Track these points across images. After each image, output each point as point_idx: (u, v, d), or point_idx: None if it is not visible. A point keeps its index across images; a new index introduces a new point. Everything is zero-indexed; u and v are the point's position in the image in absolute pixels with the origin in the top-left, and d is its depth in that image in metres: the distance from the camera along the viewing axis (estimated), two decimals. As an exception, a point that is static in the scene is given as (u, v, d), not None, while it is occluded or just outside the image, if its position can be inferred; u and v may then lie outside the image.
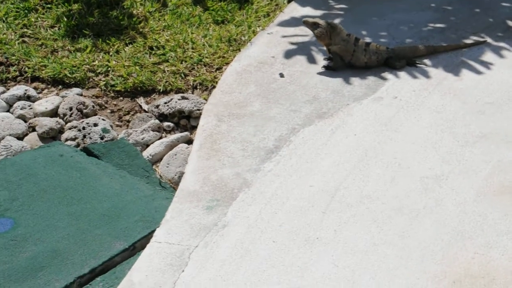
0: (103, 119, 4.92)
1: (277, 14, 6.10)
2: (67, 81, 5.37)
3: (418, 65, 5.27)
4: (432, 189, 4.05)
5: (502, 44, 5.58)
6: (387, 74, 5.19)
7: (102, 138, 4.75)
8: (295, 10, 5.94)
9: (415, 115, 4.71)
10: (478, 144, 4.42)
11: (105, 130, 4.79)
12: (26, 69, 5.48)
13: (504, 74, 5.18)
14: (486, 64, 5.29)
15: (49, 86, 5.38)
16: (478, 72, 5.19)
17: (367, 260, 3.58)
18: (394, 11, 6.10)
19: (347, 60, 5.23)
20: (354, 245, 3.67)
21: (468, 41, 5.59)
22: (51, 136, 4.83)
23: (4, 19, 5.99)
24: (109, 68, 5.43)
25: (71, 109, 5.02)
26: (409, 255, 3.60)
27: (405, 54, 5.32)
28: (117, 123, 5.02)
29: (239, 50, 5.60)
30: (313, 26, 5.22)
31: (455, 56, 5.40)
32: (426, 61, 5.33)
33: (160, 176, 4.53)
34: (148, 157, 4.65)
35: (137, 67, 5.43)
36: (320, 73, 5.19)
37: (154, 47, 5.68)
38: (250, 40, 5.71)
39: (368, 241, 3.70)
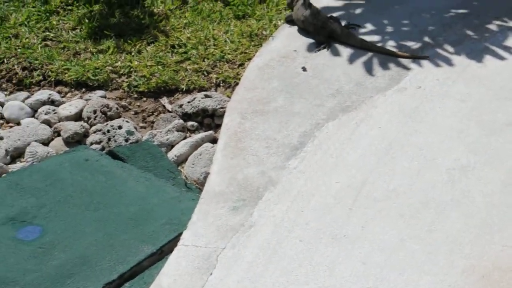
0: (127, 121, 4.92)
1: (298, 6, 6.07)
2: (90, 84, 5.37)
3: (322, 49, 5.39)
4: (458, 181, 4.02)
5: (526, 28, 5.53)
6: (410, 64, 5.14)
7: (126, 141, 4.75)
8: (316, 2, 5.87)
9: (439, 104, 4.67)
10: (504, 132, 4.37)
11: (129, 132, 4.80)
12: (50, 73, 5.47)
13: (528, 59, 5.12)
14: (510, 50, 5.22)
15: (73, 89, 5.38)
16: (502, 58, 5.13)
17: (395, 256, 3.56)
18: (415, -3, 6.04)
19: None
20: (381, 242, 3.66)
21: (491, 27, 5.52)
22: (76, 140, 4.85)
23: (26, 23, 5.97)
24: (131, 69, 5.42)
25: (95, 112, 5.03)
26: (437, 250, 3.58)
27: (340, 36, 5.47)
28: (141, 124, 5.02)
29: (261, 45, 5.56)
30: None
31: (478, 42, 5.33)
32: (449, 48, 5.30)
33: (186, 177, 4.53)
34: (173, 158, 4.65)
35: (159, 67, 5.42)
36: (342, 66, 5.16)
37: (175, 45, 5.66)
38: (271, 34, 5.67)
39: (396, 237, 3.68)
